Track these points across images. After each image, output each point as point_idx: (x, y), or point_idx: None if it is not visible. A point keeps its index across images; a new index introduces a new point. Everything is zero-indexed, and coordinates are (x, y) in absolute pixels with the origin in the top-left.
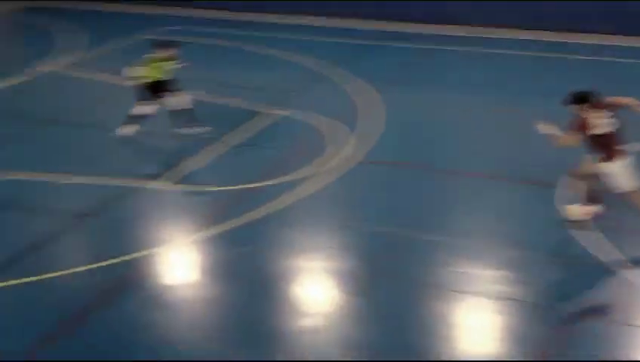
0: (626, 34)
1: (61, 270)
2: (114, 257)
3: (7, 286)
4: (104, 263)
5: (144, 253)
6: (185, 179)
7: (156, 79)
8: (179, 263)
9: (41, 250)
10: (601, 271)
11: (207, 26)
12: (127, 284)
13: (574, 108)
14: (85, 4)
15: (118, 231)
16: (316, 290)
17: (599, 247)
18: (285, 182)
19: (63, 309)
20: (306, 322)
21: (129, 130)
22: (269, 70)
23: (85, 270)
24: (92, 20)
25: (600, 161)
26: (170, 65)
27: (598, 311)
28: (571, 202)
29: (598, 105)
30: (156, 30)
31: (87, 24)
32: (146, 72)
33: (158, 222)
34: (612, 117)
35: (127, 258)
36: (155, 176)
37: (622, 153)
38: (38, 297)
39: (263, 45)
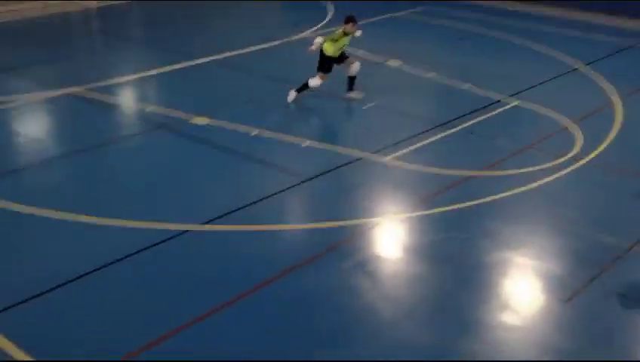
0: None
1: (282, 224)
2: (331, 220)
3: (234, 231)
4: (322, 225)
5: (358, 221)
6: (409, 157)
7: (335, 53)
8: (389, 237)
9: (269, 203)
10: None
11: (459, 9)
12: (337, 248)
13: None
14: None
15: (339, 197)
16: (523, 289)
17: None
18: (506, 175)
19: (276, 262)
20: (507, 318)
21: (293, 96)
22: (516, 59)
23: (303, 229)
24: None
25: None
26: (348, 40)
27: None
28: None
29: None
30: (400, 10)
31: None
32: (329, 45)
33: (377, 194)
34: None
35: (342, 223)
36: (381, 150)
37: None
38: (255, 246)
39: (516, 35)
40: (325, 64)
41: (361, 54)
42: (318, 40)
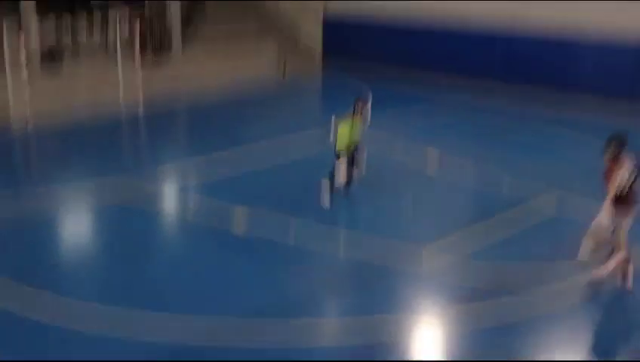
0: None
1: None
2: (372, 314)
3: None
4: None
5: (398, 316)
6: (447, 249)
7: (347, 140)
8: (430, 333)
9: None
10: None
11: (496, 101)
12: (382, 345)
13: None
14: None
15: (379, 288)
16: None
17: None
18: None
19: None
20: None
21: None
22: (556, 153)
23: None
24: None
25: None
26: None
27: None
28: None
29: None
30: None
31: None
32: (342, 130)
33: (414, 288)
34: None
35: (384, 316)
36: (419, 242)
37: None
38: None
39: (558, 127)
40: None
41: (399, 144)
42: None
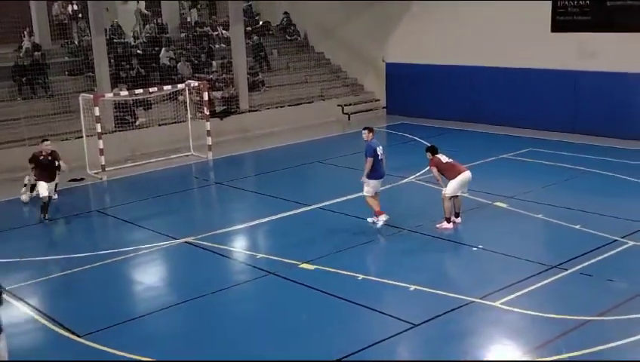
0: None
1: None
2: None
3: None
4: None
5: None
6: (520, 302)
7: None
8: None
9: (379, 349)
10: None
11: (563, 149)
12: None
13: None
14: (450, 123)
15: (449, 344)
16: None
17: None
18: (628, 319)
19: None
20: None
21: None
22: (625, 197)
23: None
24: (452, 137)
25: None
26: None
27: None
28: None
29: None
30: (507, 151)
31: (449, 140)
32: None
33: (488, 342)
34: None
35: None
36: (491, 294)
37: None
38: None
39: (623, 172)
40: None
41: (468, 195)
42: None
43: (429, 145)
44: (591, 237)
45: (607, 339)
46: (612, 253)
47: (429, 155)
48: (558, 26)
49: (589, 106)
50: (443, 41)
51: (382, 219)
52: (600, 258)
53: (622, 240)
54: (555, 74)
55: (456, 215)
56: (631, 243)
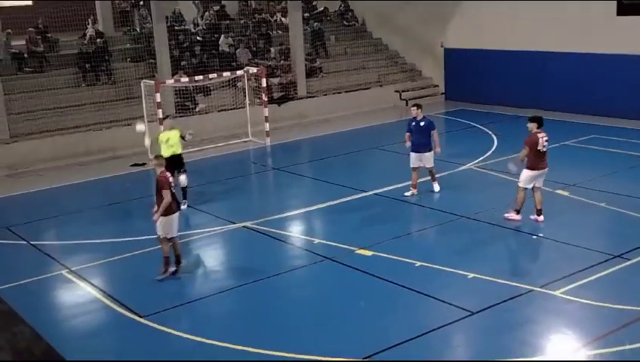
0: None
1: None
2: (500, 357)
3: None
4: None
5: (523, 359)
6: (581, 291)
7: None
8: None
9: (435, 336)
10: None
11: (629, 136)
12: None
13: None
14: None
15: (508, 333)
16: None
17: None
18: None
19: None
20: None
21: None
22: None
23: None
24: (512, 123)
25: None
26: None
27: None
28: None
29: None
30: (570, 138)
31: (509, 127)
32: None
33: (548, 331)
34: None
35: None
36: (551, 283)
37: None
38: None
39: None
40: None
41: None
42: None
43: (534, 115)
44: None
45: None
46: None
47: (532, 126)
48: (623, 8)
49: None
50: (502, 26)
51: (407, 193)
52: None
53: None
54: (620, 58)
55: (538, 212)
56: None
